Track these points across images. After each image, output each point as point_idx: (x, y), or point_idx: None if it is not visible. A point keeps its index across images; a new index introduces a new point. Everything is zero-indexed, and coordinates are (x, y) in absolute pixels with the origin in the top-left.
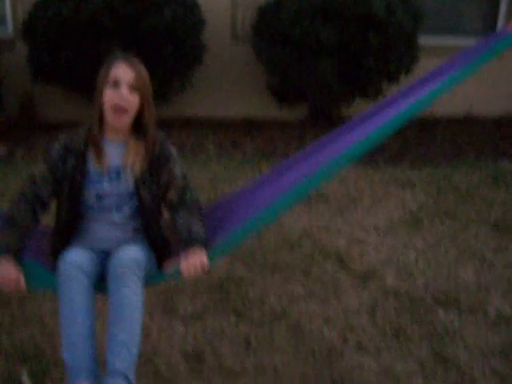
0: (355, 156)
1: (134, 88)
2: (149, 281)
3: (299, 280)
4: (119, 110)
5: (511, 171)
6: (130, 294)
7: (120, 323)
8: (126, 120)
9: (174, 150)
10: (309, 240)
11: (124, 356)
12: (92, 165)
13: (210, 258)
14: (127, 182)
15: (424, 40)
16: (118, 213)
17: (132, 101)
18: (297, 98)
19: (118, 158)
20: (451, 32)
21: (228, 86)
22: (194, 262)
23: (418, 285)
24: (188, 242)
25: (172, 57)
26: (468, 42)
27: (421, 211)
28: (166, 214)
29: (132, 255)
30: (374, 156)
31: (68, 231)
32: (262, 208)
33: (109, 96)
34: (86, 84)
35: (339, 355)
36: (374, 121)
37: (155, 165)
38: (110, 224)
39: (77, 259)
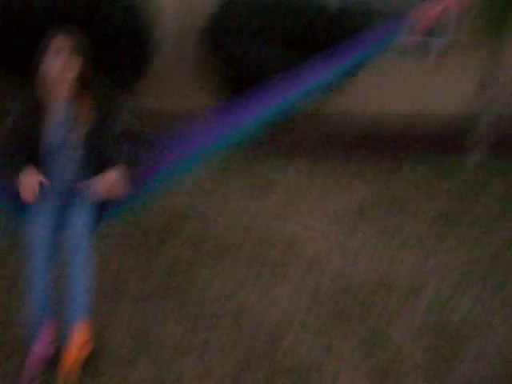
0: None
1: (73, 52)
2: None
3: (246, 264)
4: (61, 76)
5: (455, 166)
6: (83, 259)
7: (75, 272)
8: (67, 84)
9: (121, 102)
10: (258, 225)
11: (81, 301)
12: (47, 120)
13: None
14: (78, 133)
15: None
16: (73, 151)
17: (73, 64)
18: (253, 88)
19: (70, 111)
20: None
21: (183, 78)
22: (109, 176)
23: (360, 270)
24: (114, 162)
25: (124, 44)
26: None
27: (368, 201)
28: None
29: (83, 222)
30: (327, 149)
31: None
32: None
33: (52, 66)
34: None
35: (284, 334)
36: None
37: (104, 118)
38: (67, 162)
39: (41, 231)
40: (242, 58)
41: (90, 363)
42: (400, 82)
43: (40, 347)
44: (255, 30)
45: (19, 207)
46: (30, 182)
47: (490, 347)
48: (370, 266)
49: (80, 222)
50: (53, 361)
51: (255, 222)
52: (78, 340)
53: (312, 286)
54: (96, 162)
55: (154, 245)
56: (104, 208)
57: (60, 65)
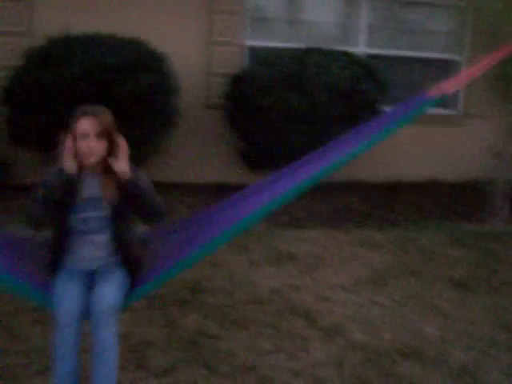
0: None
1: (98, 135)
2: (126, 304)
3: (268, 335)
4: (88, 156)
5: (471, 233)
6: (107, 336)
7: (100, 361)
8: (96, 160)
9: (141, 175)
10: (278, 297)
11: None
12: (79, 193)
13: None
14: (105, 209)
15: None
16: (99, 235)
17: (99, 147)
18: (268, 163)
19: (97, 188)
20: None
21: (201, 152)
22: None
23: (383, 339)
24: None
25: (147, 123)
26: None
27: (386, 271)
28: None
29: (109, 297)
30: (342, 219)
31: (57, 248)
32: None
33: (82, 147)
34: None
35: None
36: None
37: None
38: (94, 244)
39: (70, 306)
40: (257, 133)
41: None
42: (413, 150)
43: None
44: (270, 105)
45: (40, 291)
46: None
47: None
48: (391, 335)
49: (108, 298)
50: None
51: (274, 294)
52: None
53: (335, 357)
54: (121, 238)
55: (175, 317)
56: (132, 285)
57: (86, 149)
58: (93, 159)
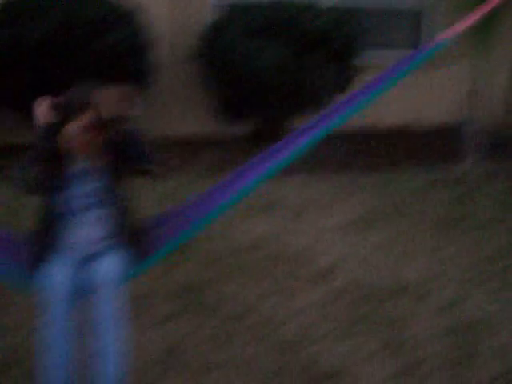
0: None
1: (98, 132)
2: (128, 278)
3: (266, 278)
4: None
5: (448, 175)
6: (108, 311)
7: (103, 340)
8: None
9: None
10: (272, 242)
11: (109, 370)
12: (65, 169)
13: (154, 261)
14: (98, 180)
15: (362, 58)
16: (93, 211)
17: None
18: (245, 114)
19: (86, 161)
20: (385, 49)
21: (176, 105)
22: None
23: (370, 279)
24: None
25: (121, 79)
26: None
27: (372, 213)
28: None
29: (108, 270)
30: (324, 165)
31: (47, 234)
32: (207, 211)
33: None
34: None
35: (306, 344)
36: (305, 135)
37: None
38: (88, 224)
39: (60, 282)
40: (232, 86)
41: None
42: (390, 94)
43: None
44: (250, 48)
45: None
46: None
47: (504, 344)
48: (381, 272)
49: (109, 271)
50: None
51: (265, 238)
52: None
53: (325, 298)
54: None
55: (168, 267)
56: (134, 258)
57: (81, 140)
58: (87, 152)
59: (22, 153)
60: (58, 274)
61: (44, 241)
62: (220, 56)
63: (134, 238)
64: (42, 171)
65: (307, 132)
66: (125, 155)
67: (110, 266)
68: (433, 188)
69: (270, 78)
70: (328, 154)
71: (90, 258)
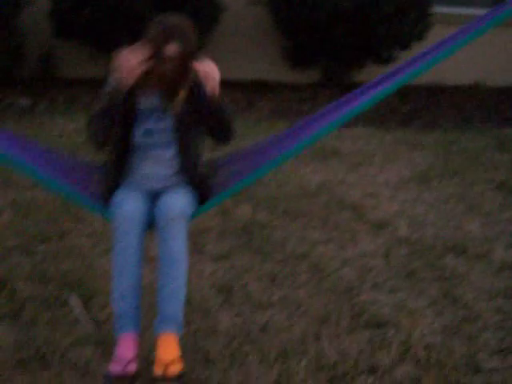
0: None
1: (178, 71)
2: (194, 215)
3: (318, 226)
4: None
5: None
6: (178, 245)
7: (169, 275)
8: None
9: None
10: (325, 191)
11: (174, 304)
12: (139, 103)
13: (223, 197)
14: (170, 120)
15: (437, 8)
16: (163, 150)
17: (176, 75)
18: (311, 61)
19: (160, 97)
20: (462, 2)
21: (243, 48)
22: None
23: (428, 234)
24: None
25: (190, 16)
26: (480, 11)
27: (430, 170)
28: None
29: (179, 204)
30: (386, 119)
31: (119, 168)
32: (271, 157)
33: (156, 70)
34: (106, 41)
35: (357, 292)
36: (376, 87)
37: (193, 99)
38: (157, 161)
39: (130, 209)
40: (301, 31)
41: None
42: (462, 51)
43: (118, 364)
44: (315, 3)
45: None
46: (128, 61)
47: None
48: (436, 231)
49: (177, 204)
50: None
51: (322, 188)
52: (165, 356)
53: (381, 249)
54: (187, 153)
55: (227, 207)
56: (200, 197)
57: (161, 75)
58: (163, 87)
59: (94, 87)
60: (129, 204)
61: (116, 172)
62: (289, 0)
63: (202, 178)
64: (110, 126)
65: (377, 85)
66: (199, 104)
67: (178, 202)
68: (500, 148)
69: (340, 24)
70: (392, 107)
71: (159, 193)
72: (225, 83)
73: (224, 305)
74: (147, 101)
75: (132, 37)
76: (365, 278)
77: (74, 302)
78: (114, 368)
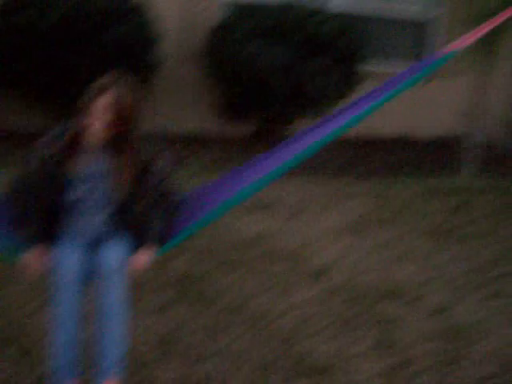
0: (290, 167)
1: (111, 122)
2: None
3: (255, 277)
4: (95, 137)
5: (444, 186)
6: (116, 298)
7: (108, 327)
8: (103, 136)
9: (157, 157)
10: (262, 242)
11: (113, 356)
12: (73, 169)
13: (162, 251)
14: (107, 188)
15: (363, 66)
16: (98, 214)
17: (108, 132)
18: (244, 115)
19: (101, 162)
20: (388, 58)
21: (178, 102)
22: (142, 256)
23: (363, 281)
24: (144, 239)
25: (125, 69)
26: (403, 66)
27: (364, 219)
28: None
29: (117, 257)
30: (321, 169)
31: (50, 223)
32: (210, 209)
33: (89, 124)
34: (42, 94)
35: (295, 341)
36: (309, 137)
37: (139, 176)
38: (92, 224)
39: (68, 264)
40: (235, 85)
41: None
42: (390, 105)
43: None
44: (251, 56)
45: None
46: (32, 264)
47: (492, 349)
48: (374, 276)
49: (116, 257)
50: None
51: (258, 238)
52: None
53: (319, 297)
54: (125, 222)
55: (163, 259)
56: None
57: (101, 125)
58: (96, 141)
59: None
60: (67, 259)
61: (45, 225)
62: (226, 55)
63: (138, 229)
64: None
65: (308, 137)
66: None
67: (116, 255)
68: (429, 197)
69: (273, 80)
70: (327, 158)
71: (96, 243)
72: (161, 137)
73: (163, 358)
74: (83, 166)
75: (68, 89)
76: (303, 326)
77: None
78: None
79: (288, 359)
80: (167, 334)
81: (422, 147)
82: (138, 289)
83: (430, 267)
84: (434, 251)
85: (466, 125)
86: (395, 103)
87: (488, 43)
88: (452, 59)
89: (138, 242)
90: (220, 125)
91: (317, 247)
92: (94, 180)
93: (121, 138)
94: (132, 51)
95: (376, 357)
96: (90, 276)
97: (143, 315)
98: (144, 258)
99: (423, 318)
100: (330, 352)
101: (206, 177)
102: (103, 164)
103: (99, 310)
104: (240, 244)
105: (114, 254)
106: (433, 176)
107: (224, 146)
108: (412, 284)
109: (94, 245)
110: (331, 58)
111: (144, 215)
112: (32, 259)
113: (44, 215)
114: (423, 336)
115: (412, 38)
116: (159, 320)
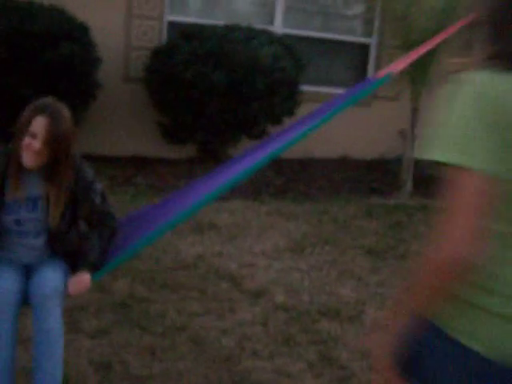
0: (228, 188)
1: (48, 142)
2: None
3: (196, 298)
4: (31, 159)
5: (379, 206)
6: (53, 323)
7: (45, 354)
8: (38, 163)
9: (93, 181)
10: (203, 263)
11: (49, 377)
12: (9, 193)
13: (98, 275)
14: (44, 212)
15: (305, 87)
16: (35, 238)
17: (44, 153)
18: (186, 137)
19: (36, 187)
20: (331, 80)
21: (120, 124)
22: (78, 281)
23: (303, 300)
24: (80, 264)
25: (66, 93)
26: (341, 90)
27: (303, 239)
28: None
29: (52, 281)
30: (261, 191)
31: None
32: (147, 232)
33: (25, 144)
34: None
35: (237, 361)
36: (246, 160)
37: (74, 198)
38: (29, 247)
39: (3, 288)
40: (175, 108)
41: None
42: (330, 125)
43: None
44: (190, 80)
45: None
46: None
47: None
48: (311, 297)
49: (52, 280)
50: None
51: (199, 260)
52: None
53: (259, 317)
54: (61, 247)
55: (105, 282)
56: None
57: (37, 146)
58: (32, 163)
59: None
60: (3, 280)
61: None
62: (167, 77)
63: (74, 254)
64: None
65: (245, 159)
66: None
67: (51, 278)
68: (365, 218)
69: (210, 104)
70: (266, 180)
71: (32, 266)
72: (102, 159)
73: (103, 382)
74: (22, 189)
75: (9, 109)
76: (244, 345)
77: None
78: None
79: (231, 378)
80: (107, 356)
81: (361, 167)
82: (78, 312)
83: (368, 285)
84: (372, 270)
85: (403, 145)
86: (335, 124)
87: (423, 65)
88: (389, 81)
89: (75, 267)
90: (163, 146)
91: (257, 267)
92: (32, 204)
93: (56, 161)
94: (75, 71)
95: (317, 374)
96: (26, 300)
97: (84, 339)
98: (81, 282)
99: (361, 335)
100: (271, 370)
101: (149, 197)
102: (40, 189)
103: (35, 336)
104: (180, 266)
105: (49, 276)
106: (371, 196)
107: (168, 168)
108: (350, 302)
109: (31, 268)
110: (271, 81)
111: (80, 240)
112: None
113: None
114: (361, 353)
115: (355, 59)
116: (99, 343)
